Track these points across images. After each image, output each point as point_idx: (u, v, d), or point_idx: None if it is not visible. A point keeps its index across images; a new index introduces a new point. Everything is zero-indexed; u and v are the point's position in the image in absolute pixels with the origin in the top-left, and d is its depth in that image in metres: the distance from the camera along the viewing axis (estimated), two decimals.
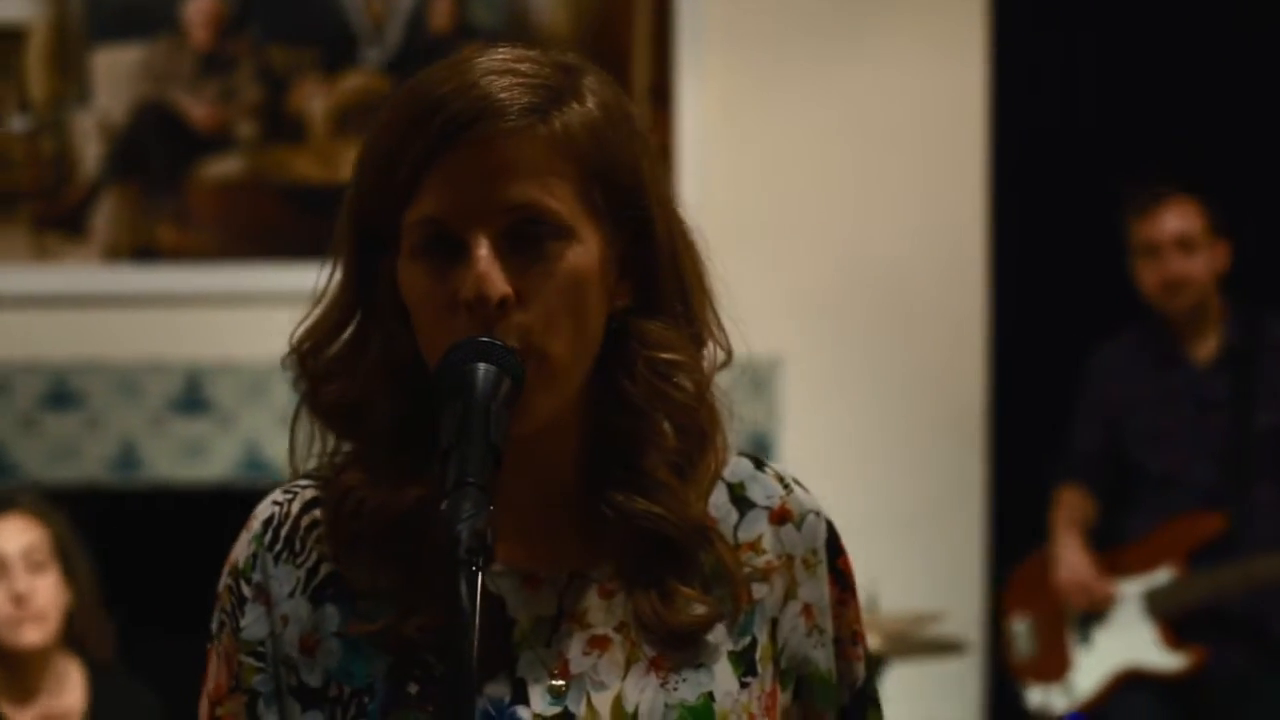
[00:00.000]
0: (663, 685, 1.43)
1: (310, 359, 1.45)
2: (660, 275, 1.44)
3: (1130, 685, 4.39)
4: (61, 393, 4.99)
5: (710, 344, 1.48)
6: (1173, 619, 4.37)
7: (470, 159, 1.37)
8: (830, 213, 5.01)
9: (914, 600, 4.56)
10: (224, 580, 1.48)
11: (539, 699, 1.41)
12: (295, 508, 1.47)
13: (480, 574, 1.24)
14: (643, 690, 1.42)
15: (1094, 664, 4.46)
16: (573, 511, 1.46)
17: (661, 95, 4.95)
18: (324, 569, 1.44)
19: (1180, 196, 4.41)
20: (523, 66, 1.40)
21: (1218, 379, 4.41)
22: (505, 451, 1.31)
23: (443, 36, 4.91)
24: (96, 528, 3.78)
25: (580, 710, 1.41)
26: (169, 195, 4.97)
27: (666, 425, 1.45)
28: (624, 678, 1.43)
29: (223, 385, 4.97)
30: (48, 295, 4.97)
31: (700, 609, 1.44)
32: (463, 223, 1.37)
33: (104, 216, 4.98)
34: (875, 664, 1.61)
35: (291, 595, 1.44)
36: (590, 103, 1.41)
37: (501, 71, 1.39)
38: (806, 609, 1.50)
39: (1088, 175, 4.91)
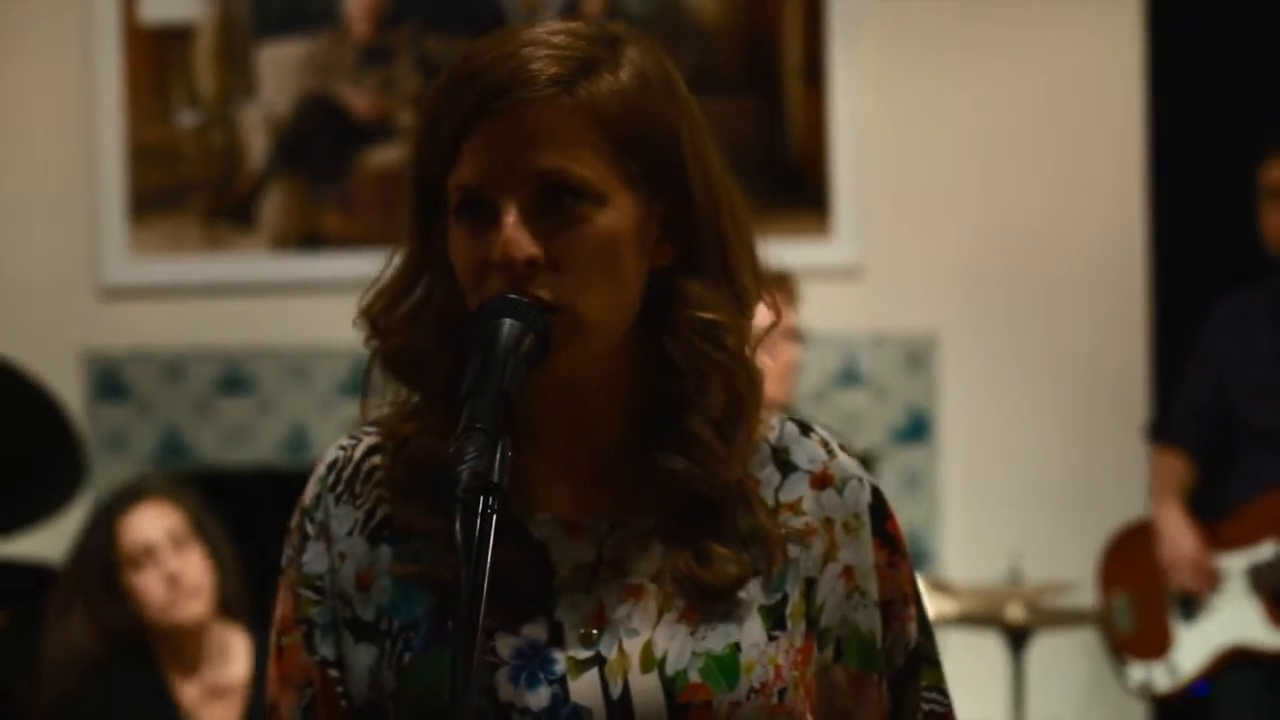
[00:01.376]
0: (691, 634, 1.48)
1: (380, 319, 1.52)
2: (700, 237, 1.49)
3: (1236, 664, 4.22)
4: (234, 378, 5.11)
5: (758, 307, 1.53)
6: (1279, 594, 4.19)
7: (501, 127, 1.44)
8: (987, 188, 4.99)
9: (1073, 575, 4.51)
10: (294, 518, 1.56)
11: (574, 642, 1.47)
12: (358, 452, 1.55)
13: (493, 512, 1.31)
14: (672, 638, 1.47)
15: (1197, 641, 4.28)
16: (616, 466, 1.51)
17: (814, 74, 4.96)
18: (381, 511, 1.52)
19: None
20: (557, 39, 1.46)
21: None
22: (519, 400, 1.38)
23: None
24: (269, 508, 3.88)
25: (611, 654, 1.47)
26: (334, 184, 5.07)
27: (709, 385, 1.50)
28: (655, 626, 1.48)
29: None
30: (219, 284, 5.09)
31: (734, 569, 1.49)
32: (494, 188, 1.44)
33: (272, 207, 5.09)
34: (931, 625, 1.62)
35: (350, 534, 1.53)
36: (624, 73, 1.46)
37: (539, 43, 1.45)
38: (847, 571, 1.54)
39: (1247, 142, 4.83)
